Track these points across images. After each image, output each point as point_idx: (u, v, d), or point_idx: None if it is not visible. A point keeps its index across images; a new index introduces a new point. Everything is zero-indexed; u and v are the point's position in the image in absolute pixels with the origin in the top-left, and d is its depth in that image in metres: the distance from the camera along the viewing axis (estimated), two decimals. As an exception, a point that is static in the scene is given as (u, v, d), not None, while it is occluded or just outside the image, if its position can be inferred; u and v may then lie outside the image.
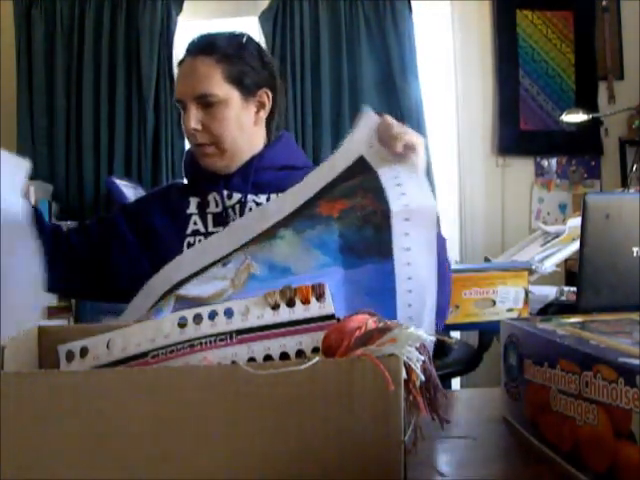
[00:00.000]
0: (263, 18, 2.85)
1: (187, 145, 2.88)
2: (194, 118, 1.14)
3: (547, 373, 0.55)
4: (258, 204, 1.14)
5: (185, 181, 1.29)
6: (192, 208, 1.17)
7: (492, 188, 2.95)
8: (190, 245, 1.12)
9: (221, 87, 1.14)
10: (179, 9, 2.84)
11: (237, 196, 1.15)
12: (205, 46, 1.16)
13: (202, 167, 1.21)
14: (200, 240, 1.12)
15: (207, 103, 1.14)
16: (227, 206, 1.16)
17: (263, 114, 1.21)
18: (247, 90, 1.17)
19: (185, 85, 1.16)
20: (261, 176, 1.18)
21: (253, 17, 2.89)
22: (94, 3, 2.79)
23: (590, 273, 1.04)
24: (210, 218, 1.16)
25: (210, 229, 1.14)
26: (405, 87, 2.80)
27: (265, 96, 1.20)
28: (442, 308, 0.91)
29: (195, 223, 1.16)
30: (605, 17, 2.94)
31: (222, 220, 1.14)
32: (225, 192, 1.17)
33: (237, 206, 1.15)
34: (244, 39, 1.19)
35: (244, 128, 1.18)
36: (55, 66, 2.79)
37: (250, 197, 1.15)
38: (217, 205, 1.16)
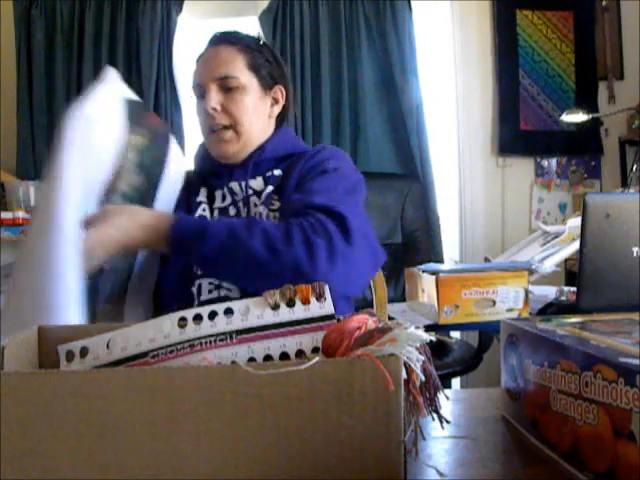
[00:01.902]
0: (263, 18, 2.85)
1: (186, 145, 2.89)
2: (214, 98, 1.17)
3: (547, 373, 0.55)
4: (254, 191, 1.18)
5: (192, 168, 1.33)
6: (202, 196, 1.22)
7: (492, 188, 2.95)
8: None
9: (243, 73, 1.18)
10: (179, 9, 2.84)
11: (235, 185, 1.19)
12: (228, 37, 1.21)
13: (211, 161, 1.24)
14: None
15: (227, 87, 1.17)
16: (230, 202, 1.19)
17: (277, 109, 1.26)
18: (265, 82, 1.22)
19: (206, 68, 1.19)
20: (260, 166, 1.22)
21: (253, 17, 2.89)
22: (94, 3, 2.79)
23: (590, 273, 1.04)
24: (216, 212, 1.20)
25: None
26: (405, 87, 2.80)
27: (280, 93, 1.25)
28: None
29: (204, 210, 1.20)
30: (605, 17, 2.94)
31: (226, 215, 1.18)
32: (226, 188, 1.20)
33: (240, 203, 1.18)
34: (261, 40, 1.26)
35: (260, 117, 1.22)
36: (55, 66, 2.79)
37: (249, 182, 1.19)
38: (223, 200, 1.20)
